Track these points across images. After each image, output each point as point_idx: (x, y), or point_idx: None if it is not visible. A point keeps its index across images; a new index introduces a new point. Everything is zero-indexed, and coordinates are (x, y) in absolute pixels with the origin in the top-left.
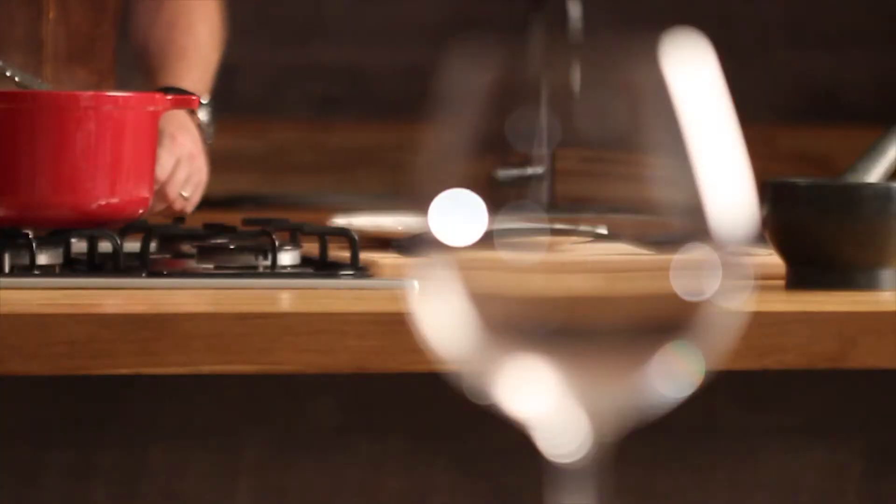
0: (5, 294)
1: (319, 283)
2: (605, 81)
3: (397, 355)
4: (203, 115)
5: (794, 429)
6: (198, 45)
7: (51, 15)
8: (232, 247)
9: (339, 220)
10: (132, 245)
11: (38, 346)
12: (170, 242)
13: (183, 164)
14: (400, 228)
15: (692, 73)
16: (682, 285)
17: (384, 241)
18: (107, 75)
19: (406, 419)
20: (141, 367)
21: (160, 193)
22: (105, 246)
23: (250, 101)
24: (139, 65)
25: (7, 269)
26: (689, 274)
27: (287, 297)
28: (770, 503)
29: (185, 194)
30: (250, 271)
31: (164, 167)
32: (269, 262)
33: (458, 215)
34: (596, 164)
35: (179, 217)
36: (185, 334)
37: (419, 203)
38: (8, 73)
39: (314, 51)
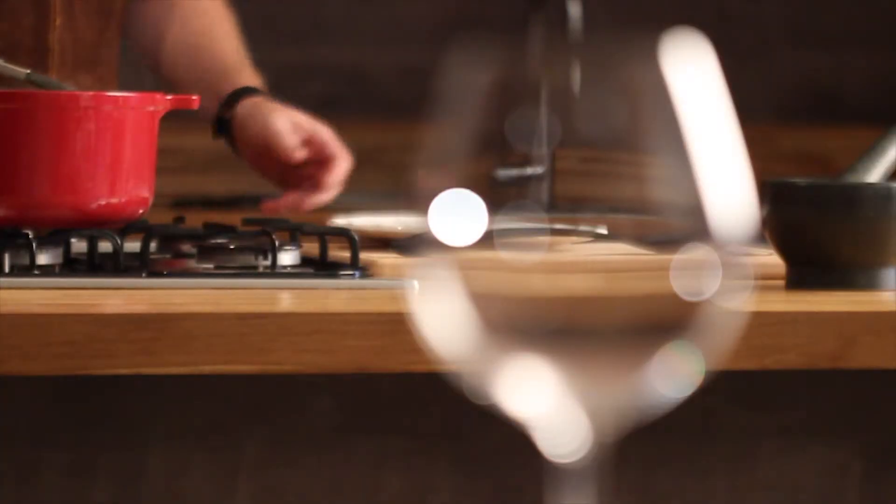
0: (5, 294)
1: (319, 283)
2: (605, 81)
3: (397, 355)
4: None
5: (794, 429)
6: (241, 50)
7: (57, 22)
8: (232, 247)
9: (339, 220)
10: (132, 245)
11: (38, 346)
12: (170, 242)
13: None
14: (400, 228)
15: (692, 73)
16: (682, 285)
17: (384, 241)
18: (110, 80)
19: (406, 419)
20: (141, 367)
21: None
22: (105, 246)
23: None
24: (169, 74)
25: (7, 269)
26: (689, 274)
27: (287, 297)
28: (770, 503)
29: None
30: (250, 271)
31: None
32: (269, 262)
33: (458, 215)
34: (596, 164)
35: (179, 217)
36: (185, 334)
37: (419, 203)
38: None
39: (314, 51)
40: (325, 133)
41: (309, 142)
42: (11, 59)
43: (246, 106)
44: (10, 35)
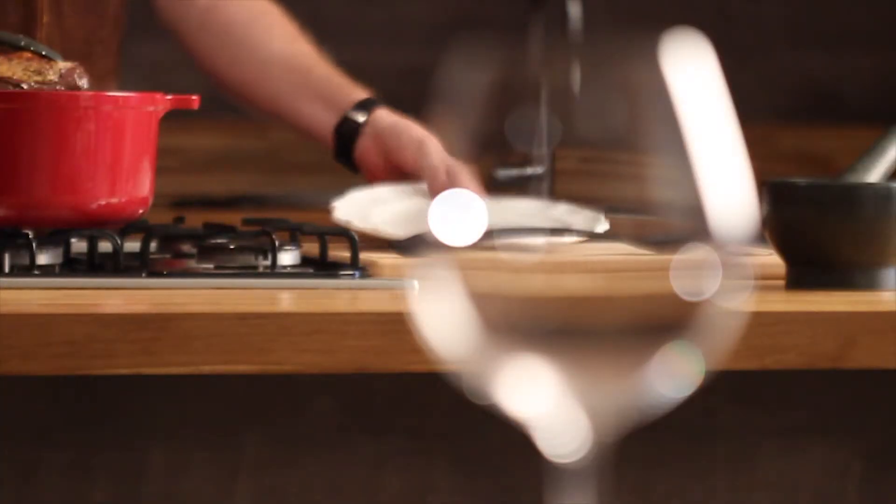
0: (5, 294)
1: (319, 283)
2: (605, 81)
3: (397, 355)
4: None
5: (794, 429)
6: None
7: (45, 19)
8: (232, 247)
9: (340, 220)
10: (132, 245)
11: (38, 346)
12: (170, 242)
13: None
14: None
15: (692, 73)
16: (682, 285)
17: (384, 241)
18: (106, 80)
19: (406, 419)
20: (141, 367)
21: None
22: (105, 246)
23: None
24: (256, 89)
25: (7, 269)
26: (689, 274)
27: (287, 297)
28: (770, 503)
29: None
30: (250, 271)
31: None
32: (269, 262)
33: (458, 215)
34: (596, 164)
35: (179, 217)
36: (186, 334)
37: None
38: (44, 53)
39: None
40: (461, 171)
41: (448, 175)
42: None
43: (380, 119)
44: None
